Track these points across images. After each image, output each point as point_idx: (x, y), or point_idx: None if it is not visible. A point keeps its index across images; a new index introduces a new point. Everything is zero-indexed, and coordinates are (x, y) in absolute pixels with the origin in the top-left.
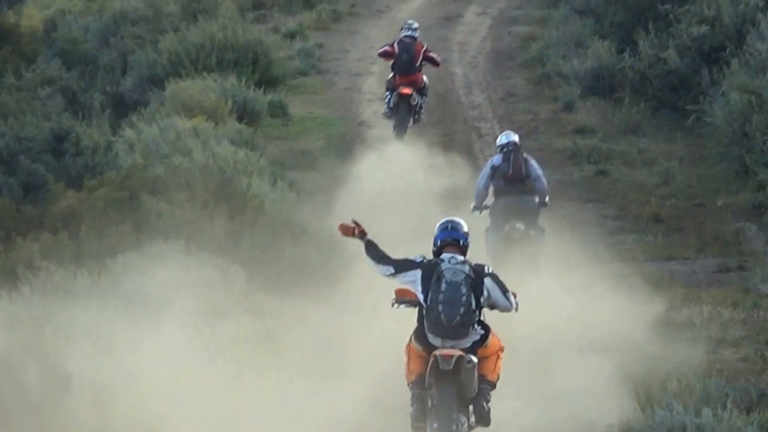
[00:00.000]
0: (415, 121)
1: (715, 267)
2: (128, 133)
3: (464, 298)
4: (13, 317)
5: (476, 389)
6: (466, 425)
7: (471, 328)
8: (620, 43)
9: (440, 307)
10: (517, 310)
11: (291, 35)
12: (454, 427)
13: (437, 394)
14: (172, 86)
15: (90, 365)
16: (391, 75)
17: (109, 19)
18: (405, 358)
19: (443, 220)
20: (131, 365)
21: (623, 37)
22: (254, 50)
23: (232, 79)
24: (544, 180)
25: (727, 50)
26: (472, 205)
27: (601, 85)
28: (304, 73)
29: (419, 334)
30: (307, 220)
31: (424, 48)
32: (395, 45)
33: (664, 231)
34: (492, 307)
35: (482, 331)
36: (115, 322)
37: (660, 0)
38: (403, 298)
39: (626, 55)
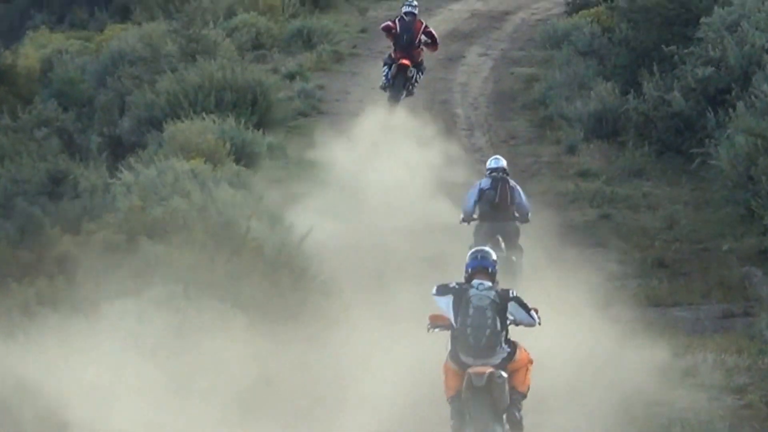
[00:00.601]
0: (408, 93)
1: (719, 313)
2: (126, 175)
3: (490, 321)
4: (9, 363)
5: (508, 401)
6: None
7: (498, 347)
8: (624, 85)
9: (468, 330)
10: (540, 324)
11: (291, 76)
12: None
13: (473, 407)
14: (170, 127)
15: (86, 412)
16: (392, 51)
17: (106, 59)
18: (443, 376)
19: (474, 249)
20: (129, 412)
21: (627, 79)
22: (253, 91)
23: (230, 120)
24: (526, 203)
25: (733, 92)
26: (460, 218)
27: (605, 128)
28: (304, 115)
29: (453, 354)
30: (307, 263)
31: (424, 25)
32: (396, 21)
33: (668, 276)
34: (517, 324)
35: (509, 349)
36: (112, 368)
37: (664, 41)
38: (436, 323)
39: (630, 97)
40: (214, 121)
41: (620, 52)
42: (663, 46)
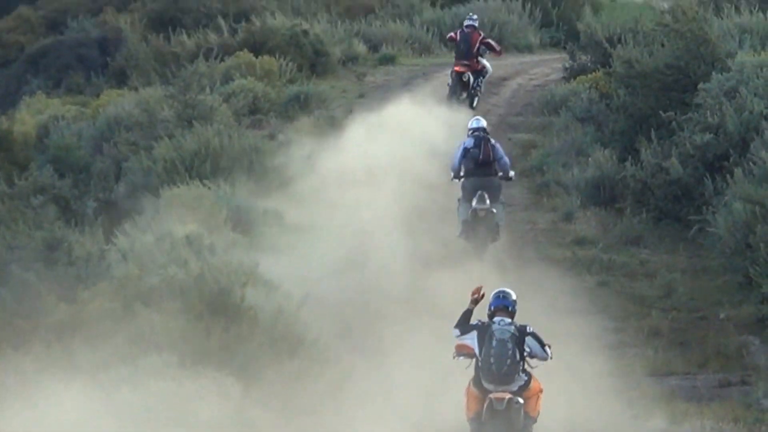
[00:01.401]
0: (470, 95)
1: (716, 382)
2: (122, 241)
3: (510, 352)
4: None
5: (522, 424)
6: None
7: (516, 375)
8: (622, 151)
9: (491, 360)
10: (551, 359)
11: (287, 142)
12: None
13: (493, 428)
14: (166, 193)
15: None
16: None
17: (102, 125)
18: (465, 399)
19: (497, 290)
20: None
21: (625, 146)
22: (249, 157)
23: (226, 186)
24: (506, 159)
25: (731, 159)
26: (451, 177)
27: (602, 195)
28: (300, 180)
29: (476, 381)
30: (303, 331)
31: (481, 36)
32: (457, 33)
33: (665, 345)
34: (532, 357)
35: (525, 377)
36: None
37: (662, 107)
38: (461, 351)
39: (628, 163)
40: (210, 188)
41: (618, 118)
42: (661, 112)
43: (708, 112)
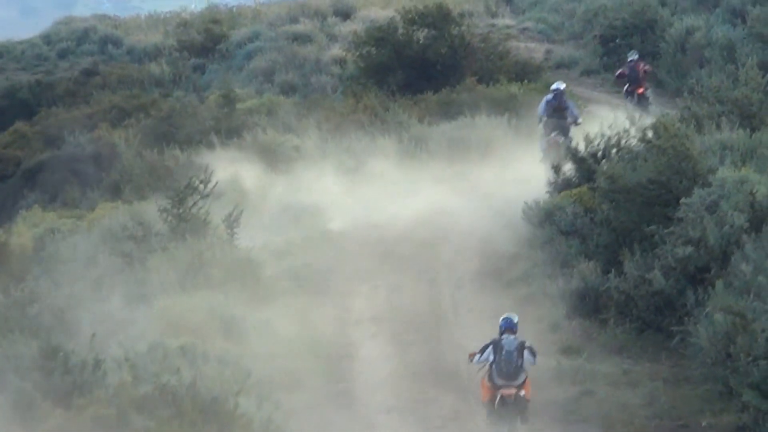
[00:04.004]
0: (641, 101)
1: None
2: (116, 351)
3: (515, 359)
4: None
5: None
6: (519, 425)
7: (520, 374)
8: (606, 264)
9: (503, 364)
10: (536, 364)
11: (278, 254)
12: (515, 428)
13: (503, 412)
14: (160, 304)
15: None
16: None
17: (97, 237)
18: (481, 389)
19: (504, 316)
20: None
21: (609, 258)
22: (242, 268)
23: (219, 297)
24: (575, 110)
25: (712, 271)
26: (538, 122)
27: (587, 306)
28: (292, 293)
29: (490, 377)
30: None
31: (644, 67)
32: (624, 70)
33: None
34: (525, 361)
35: (525, 376)
36: None
37: (645, 221)
38: (476, 356)
39: (612, 275)
40: (203, 298)
41: (602, 231)
42: (644, 226)
43: (690, 226)
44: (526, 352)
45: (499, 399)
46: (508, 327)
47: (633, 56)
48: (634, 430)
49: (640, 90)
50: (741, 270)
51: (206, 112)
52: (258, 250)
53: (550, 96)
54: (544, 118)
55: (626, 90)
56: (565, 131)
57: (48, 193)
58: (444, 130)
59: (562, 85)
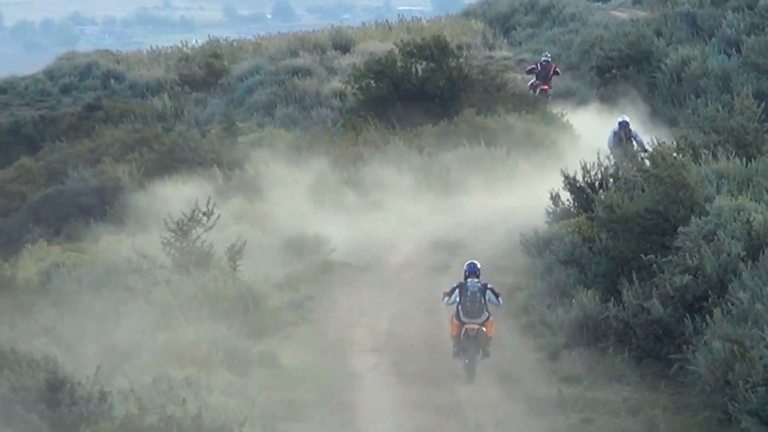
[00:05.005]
0: (542, 96)
1: None
2: (122, 382)
3: (478, 298)
4: None
5: (484, 342)
6: (479, 357)
7: (482, 313)
8: (604, 293)
9: (468, 303)
10: (502, 305)
11: (280, 286)
12: (476, 358)
13: (467, 344)
14: (164, 336)
15: None
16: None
17: (101, 271)
18: (450, 326)
19: (468, 262)
20: None
21: (607, 287)
22: (245, 300)
23: (223, 329)
24: (641, 138)
25: (710, 299)
26: (608, 151)
27: (586, 335)
28: (294, 324)
29: (457, 315)
30: None
31: (554, 69)
32: (538, 65)
33: None
34: (490, 302)
35: (487, 314)
36: None
37: (643, 250)
38: (447, 297)
39: (610, 304)
40: (206, 331)
41: (600, 261)
42: (642, 255)
43: (687, 255)
44: (488, 293)
45: (464, 332)
46: (472, 272)
47: (547, 57)
48: None
49: (546, 87)
50: (738, 298)
51: (208, 145)
52: (260, 281)
53: (616, 127)
54: (613, 149)
55: (532, 84)
56: (631, 154)
57: (53, 227)
58: (443, 161)
59: (627, 118)
